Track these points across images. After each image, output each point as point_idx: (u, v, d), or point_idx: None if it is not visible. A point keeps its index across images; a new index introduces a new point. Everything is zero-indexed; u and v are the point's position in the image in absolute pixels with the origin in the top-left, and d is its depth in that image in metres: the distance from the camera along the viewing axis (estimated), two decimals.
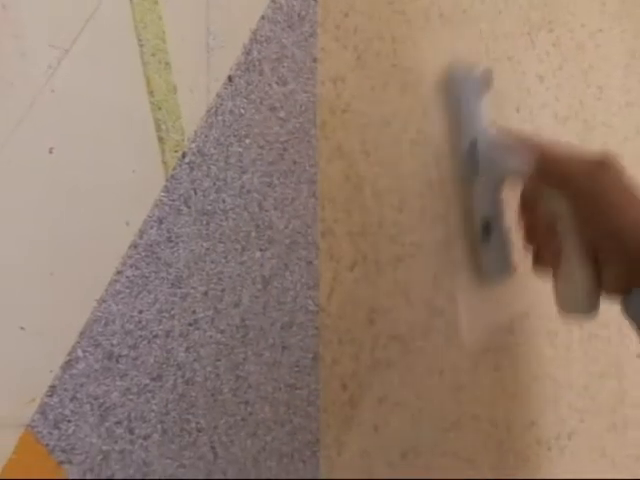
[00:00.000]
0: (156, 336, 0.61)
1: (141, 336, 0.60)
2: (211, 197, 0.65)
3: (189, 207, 0.63)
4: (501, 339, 0.88)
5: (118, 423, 0.58)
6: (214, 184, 0.65)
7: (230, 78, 0.66)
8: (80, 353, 0.56)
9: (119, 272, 0.59)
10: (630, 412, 0.99)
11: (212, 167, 0.65)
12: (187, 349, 0.63)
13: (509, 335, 0.88)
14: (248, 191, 0.67)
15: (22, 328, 0.54)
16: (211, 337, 0.64)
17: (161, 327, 0.61)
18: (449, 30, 0.84)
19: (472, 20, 0.86)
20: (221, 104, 0.66)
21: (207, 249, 0.64)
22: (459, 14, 0.85)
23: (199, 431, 0.63)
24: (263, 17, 0.69)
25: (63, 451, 0.55)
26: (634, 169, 1.02)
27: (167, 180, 0.62)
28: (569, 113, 0.95)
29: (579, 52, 0.97)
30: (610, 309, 0.98)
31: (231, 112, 0.66)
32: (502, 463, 0.90)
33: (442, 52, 0.83)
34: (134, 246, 0.60)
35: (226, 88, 0.66)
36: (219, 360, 0.65)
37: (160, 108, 0.62)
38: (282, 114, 0.70)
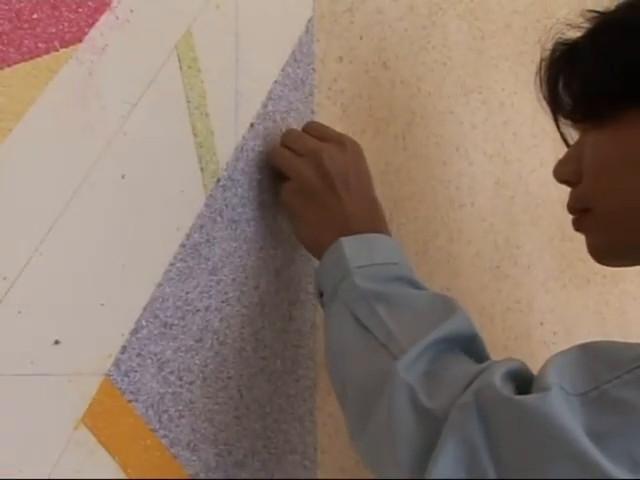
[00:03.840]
0: (198, 310, 0.60)
1: (187, 310, 0.59)
2: (238, 210, 0.64)
3: (222, 217, 0.63)
4: None
5: (171, 373, 0.58)
6: (240, 201, 0.64)
7: (252, 125, 0.66)
8: (144, 322, 0.56)
9: (171, 264, 0.58)
10: (535, 364, 0.99)
11: (239, 189, 0.64)
12: (221, 319, 0.62)
13: None
14: (265, 206, 0.67)
15: (102, 304, 0.53)
16: (238, 311, 0.63)
17: (202, 304, 0.60)
18: (407, 91, 0.83)
19: (424, 84, 0.86)
20: (245, 143, 0.65)
21: (235, 247, 0.64)
22: (414, 80, 0.84)
23: (229, 378, 0.62)
24: (276, 81, 0.68)
25: (132, 393, 0.55)
26: (540, 191, 1.02)
27: (206, 198, 0.61)
28: (493, 152, 0.95)
29: (500, 108, 0.96)
30: (520, 289, 0.98)
31: (253, 149, 0.66)
32: None
33: (402, 107, 0.82)
34: (182, 245, 0.59)
35: (249, 132, 0.65)
36: (244, 327, 0.64)
37: (202, 146, 0.61)
38: None
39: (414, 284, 0.60)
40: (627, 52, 0.58)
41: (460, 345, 0.55)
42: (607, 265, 0.66)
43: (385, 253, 0.60)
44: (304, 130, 0.67)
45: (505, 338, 0.95)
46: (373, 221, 0.63)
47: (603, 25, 0.62)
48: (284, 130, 0.68)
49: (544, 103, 0.67)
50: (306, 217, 0.63)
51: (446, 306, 0.57)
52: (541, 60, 0.67)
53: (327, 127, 0.68)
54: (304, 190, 0.63)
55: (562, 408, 0.45)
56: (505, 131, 0.97)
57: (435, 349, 0.54)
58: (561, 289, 1.05)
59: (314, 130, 0.67)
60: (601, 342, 0.52)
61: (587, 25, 0.63)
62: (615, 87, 0.59)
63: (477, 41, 0.93)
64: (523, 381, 0.50)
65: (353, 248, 0.59)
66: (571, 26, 0.65)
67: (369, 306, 0.57)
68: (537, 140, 1.01)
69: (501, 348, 0.93)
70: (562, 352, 0.51)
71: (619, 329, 1.13)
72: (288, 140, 0.66)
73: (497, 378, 0.48)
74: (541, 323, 1.01)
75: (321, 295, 0.62)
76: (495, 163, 0.95)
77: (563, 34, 0.65)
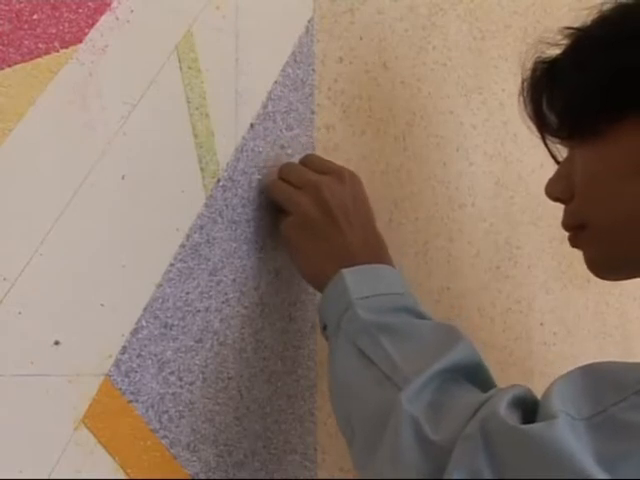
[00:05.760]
0: (198, 311, 0.60)
1: (188, 311, 0.59)
2: (238, 211, 0.64)
3: (222, 218, 0.63)
4: (444, 312, 0.87)
5: (171, 373, 0.58)
6: (240, 202, 0.64)
7: (252, 125, 0.66)
8: (144, 323, 0.56)
9: (171, 264, 0.58)
10: (535, 364, 0.99)
11: (239, 189, 0.64)
12: (221, 320, 0.62)
13: (450, 309, 0.88)
14: (264, 207, 0.66)
15: (102, 305, 0.53)
16: (238, 312, 0.63)
17: (202, 304, 0.60)
18: (407, 92, 0.83)
19: (424, 85, 0.86)
20: (245, 144, 0.65)
21: (235, 248, 0.64)
22: (415, 81, 0.84)
23: (229, 379, 0.62)
24: (276, 82, 0.68)
25: (132, 393, 0.55)
26: (540, 191, 1.02)
27: (206, 198, 0.61)
28: (494, 152, 0.95)
29: (500, 108, 0.96)
30: (520, 290, 0.98)
31: (252, 150, 0.66)
32: None
33: (402, 108, 0.82)
34: (182, 246, 0.59)
35: (249, 132, 0.65)
36: (244, 328, 0.64)
37: (202, 147, 0.61)
38: (289, 151, 0.69)
39: (418, 314, 0.59)
40: (605, 66, 0.58)
41: (464, 374, 0.55)
42: (608, 279, 0.66)
43: (388, 283, 0.60)
44: (302, 163, 0.67)
45: (505, 339, 0.95)
46: (374, 252, 0.62)
47: (580, 41, 0.62)
48: (284, 130, 0.68)
49: (530, 123, 0.67)
50: (307, 250, 0.62)
51: (450, 336, 0.57)
52: (523, 80, 0.66)
53: (325, 160, 0.67)
54: (304, 223, 0.62)
55: (569, 436, 0.44)
56: (505, 131, 0.97)
57: (439, 379, 0.53)
58: (561, 289, 1.05)
59: (312, 163, 0.66)
60: (603, 364, 0.51)
61: (565, 42, 0.63)
62: (596, 102, 0.59)
63: (477, 42, 0.93)
64: (528, 407, 0.49)
65: (355, 279, 0.59)
66: (550, 44, 0.65)
67: (373, 338, 0.56)
68: (537, 140, 1.01)
69: (501, 349, 0.93)
70: (565, 376, 0.50)
71: (619, 329, 1.13)
72: (286, 173, 0.65)
73: (502, 407, 0.47)
74: (541, 323, 1.01)
75: (325, 328, 0.62)
76: (495, 163, 0.95)
77: (543, 52, 0.65)
